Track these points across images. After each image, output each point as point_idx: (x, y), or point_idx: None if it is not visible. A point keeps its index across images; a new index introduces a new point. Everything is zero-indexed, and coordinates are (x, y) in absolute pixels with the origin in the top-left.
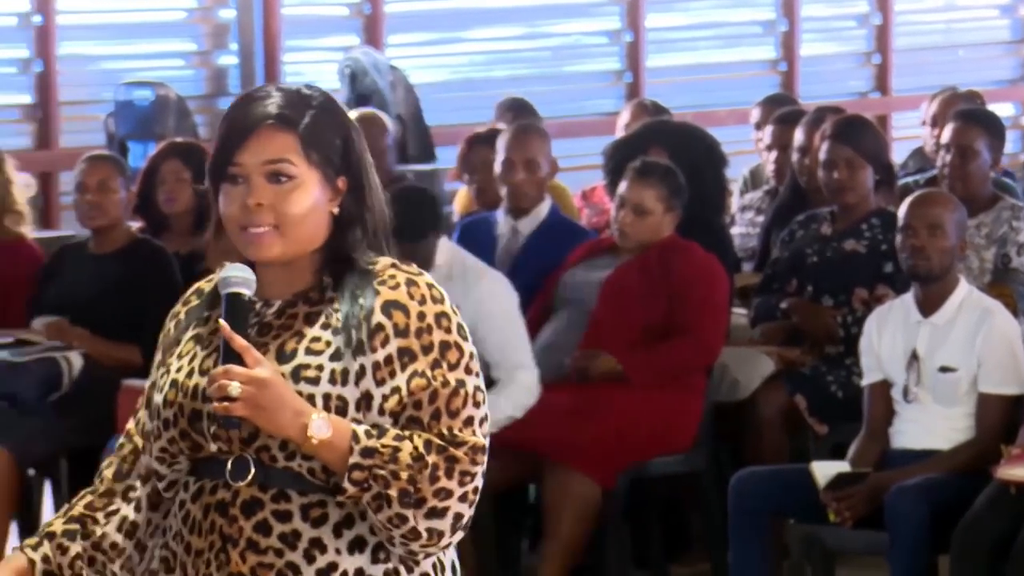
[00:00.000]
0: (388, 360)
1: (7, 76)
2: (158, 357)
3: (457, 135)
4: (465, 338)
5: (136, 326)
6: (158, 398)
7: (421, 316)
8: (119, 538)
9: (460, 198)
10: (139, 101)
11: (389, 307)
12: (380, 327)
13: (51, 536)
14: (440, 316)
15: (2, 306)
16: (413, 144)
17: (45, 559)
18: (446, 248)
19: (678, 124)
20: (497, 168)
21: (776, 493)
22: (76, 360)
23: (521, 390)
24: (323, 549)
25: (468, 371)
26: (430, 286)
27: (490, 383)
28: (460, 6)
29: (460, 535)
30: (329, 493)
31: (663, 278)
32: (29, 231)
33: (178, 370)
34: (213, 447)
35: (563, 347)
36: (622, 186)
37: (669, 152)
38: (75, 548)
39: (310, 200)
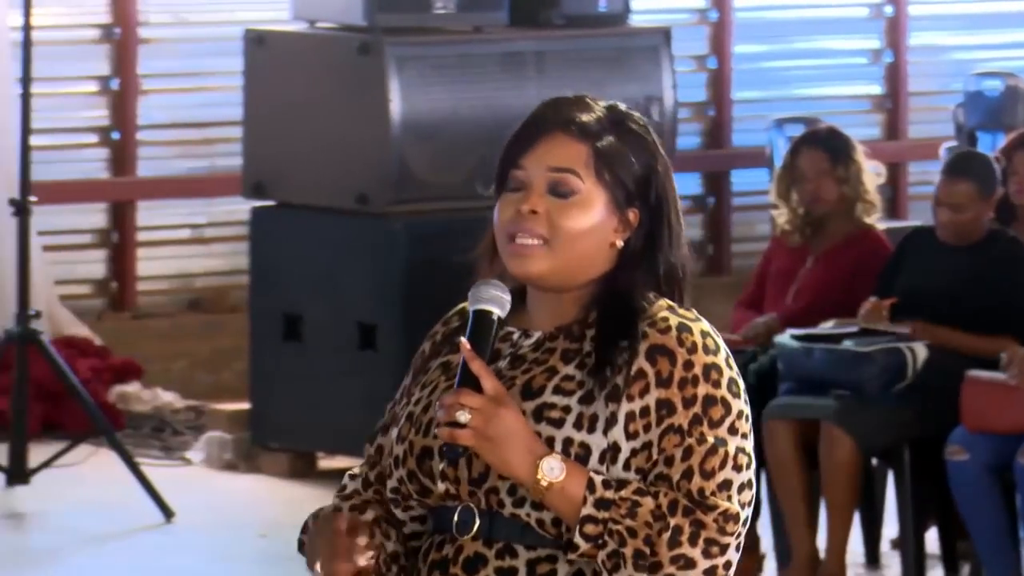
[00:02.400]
0: (644, 411)
1: (857, 67)
2: (406, 381)
3: None
4: (736, 395)
5: (1000, 319)
6: (393, 433)
7: (688, 365)
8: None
9: None
10: (988, 91)
11: (654, 352)
12: (641, 374)
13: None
14: (710, 368)
15: (850, 298)
16: None
17: None
18: None
19: None
20: None
21: None
22: (920, 351)
23: None
24: None
25: (733, 431)
26: (704, 334)
27: None
28: None
29: None
30: (560, 548)
31: None
32: (877, 221)
33: (416, 402)
34: (441, 487)
35: None
36: None
37: None
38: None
39: (590, 220)
